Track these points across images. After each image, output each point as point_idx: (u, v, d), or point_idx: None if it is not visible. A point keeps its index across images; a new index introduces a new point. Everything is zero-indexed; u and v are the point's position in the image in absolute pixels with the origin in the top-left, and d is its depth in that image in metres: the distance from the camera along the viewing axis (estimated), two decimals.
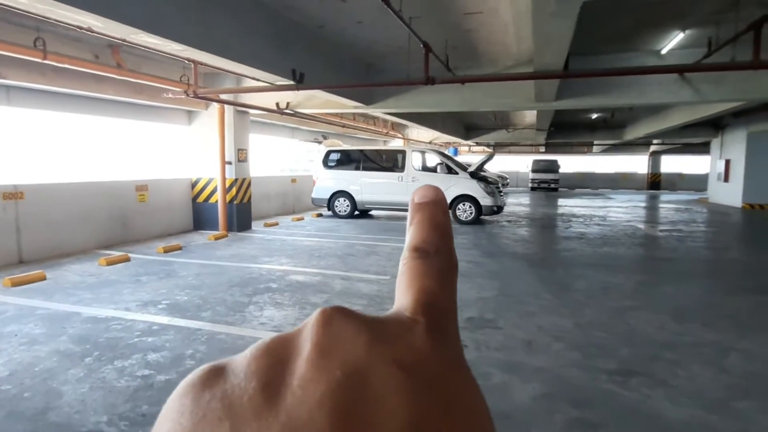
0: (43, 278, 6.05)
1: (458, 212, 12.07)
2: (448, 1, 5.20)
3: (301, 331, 0.21)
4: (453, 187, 12.07)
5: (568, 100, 7.88)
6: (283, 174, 14.88)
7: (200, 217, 10.20)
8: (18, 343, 3.95)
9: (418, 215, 0.27)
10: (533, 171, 29.70)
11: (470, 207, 12.00)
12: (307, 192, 15.05)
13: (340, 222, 12.23)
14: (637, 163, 35.15)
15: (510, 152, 34.65)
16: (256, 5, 5.25)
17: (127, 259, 7.24)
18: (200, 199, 10.17)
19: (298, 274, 6.47)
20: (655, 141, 25.44)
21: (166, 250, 7.95)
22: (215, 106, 9.47)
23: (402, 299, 0.24)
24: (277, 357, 0.20)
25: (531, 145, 32.62)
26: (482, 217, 12.18)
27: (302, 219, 12.64)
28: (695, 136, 19.98)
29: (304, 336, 0.20)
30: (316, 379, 0.18)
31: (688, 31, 6.19)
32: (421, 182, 12.49)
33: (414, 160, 12.53)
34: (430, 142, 22.20)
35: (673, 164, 32.99)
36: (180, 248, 8.24)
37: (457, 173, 12.21)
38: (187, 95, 7.51)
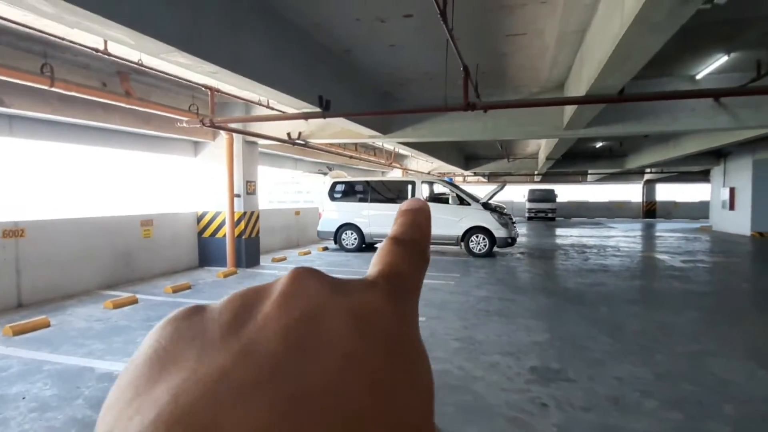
0: (47, 325, 5.46)
1: (471, 244, 11.67)
2: (493, 22, 4.90)
3: (273, 283, 0.24)
4: (466, 218, 11.71)
5: (598, 127, 7.62)
6: (287, 206, 14.40)
7: (206, 252, 9.66)
8: (27, 409, 3.39)
9: (402, 217, 0.29)
10: (530, 200, 29.57)
11: (484, 239, 11.60)
12: (311, 224, 14.60)
13: (349, 256, 11.74)
14: (631, 192, 35.34)
15: (505, 182, 34.69)
16: (285, 25, 4.90)
17: (135, 301, 6.67)
18: (206, 233, 9.65)
19: None
20: (650, 169, 25.48)
21: (175, 290, 7.39)
22: (223, 136, 9.06)
23: (369, 272, 0.26)
24: (248, 300, 0.22)
25: (525, 175, 32.74)
26: (496, 249, 11.77)
27: (309, 253, 12.13)
28: (696, 164, 20.00)
29: (275, 286, 0.23)
30: (277, 316, 0.21)
31: (733, 54, 5.97)
32: (432, 214, 12.12)
33: (423, 190, 12.17)
34: (428, 173, 21.97)
35: (667, 192, 33.19)
36: (189, 287, 7.69)
37: (469, 204, 11.86)
38: (203, 124, 7.10)
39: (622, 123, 7.60)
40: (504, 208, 12.54)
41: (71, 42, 4.87)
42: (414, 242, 0.28)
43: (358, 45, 5.71)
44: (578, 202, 35.07)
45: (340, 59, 6.17)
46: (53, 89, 5.80)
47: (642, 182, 32.32)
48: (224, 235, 9.50)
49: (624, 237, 17.48)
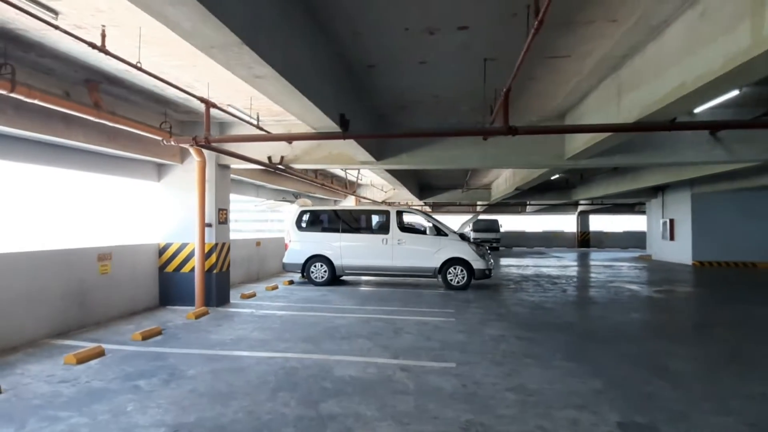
0: None
1: (449, 276, 11.22)
2: (544, 40, 4.53)
3: None
4: (443, 249, 11.30)
5: (600, 158, 7.51)
6: (247, 237, 13.29)
7: (169, 290, 8.46)
8: None
9: None
10: (475, 230, 29.90)
11: (462, 271, 11.21)
12: (271, 256, 13.59)
13: (322, 290, 10.87)
14: (564, 222, 36.97)
15: (448, 212, 35.11)
16: (325, 31, 4.26)
17: (102, 353, 5.51)
18: (169, 268, 8.47)
19: (342, 366, 5.15)
20: (583, 201, 26.57)
21: (145, 337, 6.26)
22: (194, 158, 8.06)
23: None
24: None
25: (468, 205, 33.31)
26: (473, 281, 11.39)
27: (276, 287, 11.11)
28: (636, 197, 21.08)
29: None
30: None
31: (745, 89, 6.04)
32: (407, 245, 11.65)
33: (398, 221, 11.64)
34: (382, 202, 21.54)
35: (599, 223, 35.03)
36: (160, 333, 6.57)
37: (446, 235, 11.46)
38: (197, 143, 6.15)
39: (623, 154, 7.55)
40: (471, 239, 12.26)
41: (67, 32, 3.90)
42: None
43: (387, 59, 5.16)
44: (518, 232, 36.11)
45: (360, 75, 5.58)
46: (12, 95, 4.73)
47: (576, 213, 33.88)
48: (191, 270, 8.39)
49: (579, 267, 17.86)
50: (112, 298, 7.34)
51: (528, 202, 28.16)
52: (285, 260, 11.99)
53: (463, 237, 11.65)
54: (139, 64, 4.30)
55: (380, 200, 21.28)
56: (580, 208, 32.30)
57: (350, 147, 6.86)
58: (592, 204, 26.67)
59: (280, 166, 8.43)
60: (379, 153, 7.77)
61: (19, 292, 5.82)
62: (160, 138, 6.91)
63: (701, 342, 6.59)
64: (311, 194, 16.33)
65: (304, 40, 3.90)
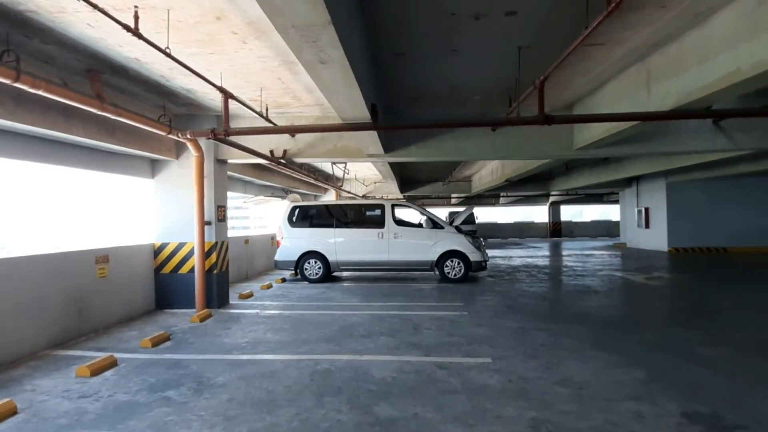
0: (14, 411, 3.88)
1: (446, 269, 11.16)
2: (575, 29, 4.42)
3: None
4: (440, 242, 11.22)
5: (609, 148, 7.53)
6: (236, 235, 12.85)
7: (166, 292, 8.03)
8: None
9: None
10: (451, 223, 29.91)
11: (459, 263, 11.16)
12: (259, 254, 13.21)
13: (319, 287, 10.60)
14: (536, 213, 37.66)
15: (423, 205, 35.12)
16: (368, 15, 4.02)
17: (115, 363, 5.13)
18: (166, 269, 8.04)
19: (377, 366, 4.96)
20: (556, 192, 27.02)
21: (155, 343, 5.90)
22: (191, 154, 7.66)
23: None
24: None
25: (443, 198, 33.46)
26: (471, 273, 11.35)
27: (271, 286, 10.77)
28: (611, 187, 21.56)
29: None
30: None
31: None
32: (403, 239, 11.50)
33: (394, 215, 11.46)
34: (363, 196, 21.32)
35: (569, 213, 35.83)
36: (169, 338, 6.21)
37: (442, 228, 11.38)
38: (216, 136, 5.77)
39: (631, 144, 7.60)
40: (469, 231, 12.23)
41: (101, 8, 3.51)
42: None
43: (418, 47, 4.94)
44: (491, 224, 36.52)
45: (386, 64, 5.35)
46: (17, 85, 4.29)
47: (548, 204, 34.51)
48: (189, 271, 7.98)
49: (562, 256, 18.13)
50: (110, 304, 6.89)
51: (506, 194, 28.46)
52: (277, 257, 11.64)
53: (458, 230, 11.60)
54: (168, 50, 3.96)
55: (361, 194, 21.05)
56: (552, 198, 32.89)
57: (363, 139, 6.62)
58: (566, 194, 27.17)
59: (282, 160, 8.10)
60: (387, 145, 7.56)
61: (16, 301, 5.36)
62: (163, 132, 6.50)
63: (716, 327, 6.70)
64: (295, 189, 15.95)
65: (358, 24, 3.66)
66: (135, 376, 4.79)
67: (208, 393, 4.28)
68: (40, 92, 4.56)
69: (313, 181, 13.16)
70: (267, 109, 6.66)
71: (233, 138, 7.24)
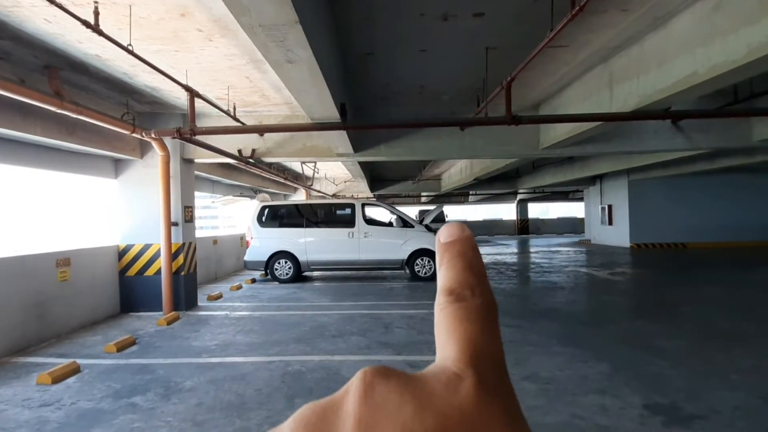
0: None
1: (417, 268, 11.23)
2: (541, 30, 4.53)
3: (343, 399, 0.20)
4: (410, 241, 11.28)
5: (573, 147, 7.72)
6: (204, 235, 12.61)
7: (131, 295, 7.83)
8: None
9: (447, 254, 0.25)
10: (420, 222, 30.10)
11: (429, 262, 11.25)
12: (229, 254, 13.02)
13: (289, 288, 10.51)
14: (503, 210, 38.21)
15: (392, 203, 35.17)
16: (336, 17, 3.99)
17: (77, 369, 4.98)
18: (131, 272, 7.84)
19: (349, 366, 4.97)
20: (524, 189, 27.49)
21: (119, 348, 5.75)
22: (156, 153, 7.48)
23: (445, 350, 0.22)
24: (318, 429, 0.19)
25: (413, 197, 33.62)
26: None
27: (241, 287, 10.63)
28: (576, 185, 22.07)
29: (346, 409, 0.19)
30: None
31: None
32: (374, 238, 11.51)
33: (363, 214, 11.46)
34: (333, 195, 21.22)
35: (536, 211, 36.51)
36: (134, 342, 6.06)
37: (413, 227, 11.45)
38: (181, 136, 5.63)
39: (595, 143, 7.80)
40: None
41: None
42: (476, 293, 0.23)
43: (387, 47, 4.94)
44: (460, 221, 36.81)
45: (354, 64, 5.33)
46: None
47: (515, 201, 35.07)
48: (155, 273, 7.80)
49: (530, 253, 18.47)
50: (72, 308, 6.68)
51: (474, 192, 28.76)
52: (247, 258, 11.48)
53: (429, 228, 11.69)
54: (130, 47, 3.85)
55: (331, 193, 20.95)
56: (520, 196, 33.44)
57: (333, 139, 6.60)
58: (533, 192, 27.66)
59: (250, 160, 8.00)
60: (357, 144, 7.55)
61: None
62: (126, 131, 6.32)
63: (674, 320, 6.95)
64: (264, 189, 15.76)
65: (326, 23, 3.63)
66: (99, 382, 4.65)
67: (175, 398, 4.20)
68: None
69: (282, 180, 13.03)
70: (235, 108, 6.56)
71: (200, 137, 7.11)
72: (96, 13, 3.44)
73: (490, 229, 35.89)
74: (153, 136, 6.05)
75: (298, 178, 15.70)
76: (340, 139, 6.52)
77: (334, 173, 18.10)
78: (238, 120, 6.59)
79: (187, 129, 5.53)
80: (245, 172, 13.00)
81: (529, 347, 5.58)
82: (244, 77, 5.88)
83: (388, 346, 5.70)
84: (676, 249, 18.63)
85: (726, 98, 6.80)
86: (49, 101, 5.05)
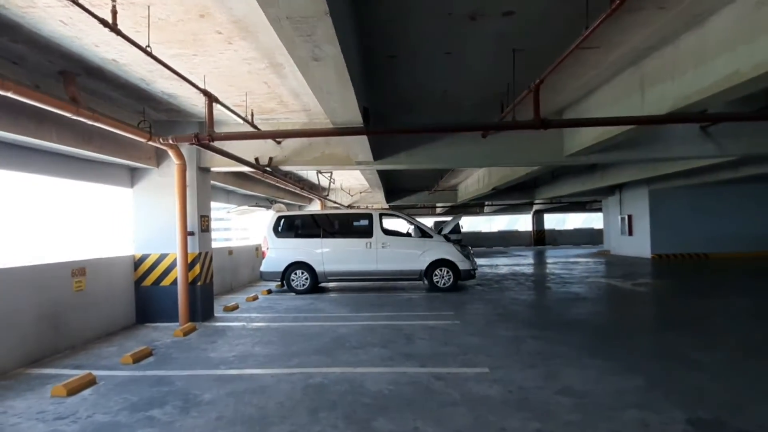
0: None
1: (435, 278, 11.01)
2: (571, 31, 4.36)
3: None
4: (429, 251, 11.08)
5: (598, 155, 7.50)
6: (220, 246, 12.53)
7: (147, 306, 7.72)
8: None
9: None
10: (437, 232, 29.81)
11: (448, 272, 11.02)
12: (244, 265, 12.92)
13: (306, 299, 10.35)
14: (519, 221, 37.79)
15: (408, 214, 34.93)
16: (362, 17, 3.87)
17: (93, 381, 4.84)
18: (147, 281, 7.74)
19: (372, 379, 4.76)
20: (538, 201, 27.07)
21: (136, 359, 5.61)
22: (173, 162, 7.41)
23: None
24: None
25: (427, 208, 33.45)
26: (459, 282, 11.21)
27: (257, 298, 10.49)
28: (594, 195, 21.71)
29: None
30: None
31: None
32: (392, 249, 11.32)
33: (382, 224, 11.30)
34: (349, 206, 21.10)
35: (552, 221, 36.04)
36: (151, 354, 5.91)
37: (431, 237, 11.26)
38: (199, 141, 5.53)
39: (620, 150, 7.57)
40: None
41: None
42: None
43: (411, 49, 4.80)
44: (475, 233, 36.53)
45: (376, 67, 5.20)
46: None
47: (531, 212, 34.69)
48: (171, 283, 7.69)
49: (548, 264, 18.13)
50: (88, 318, 6.57)
51: (491, 203, 28.47)
52: (263, 268, 11.35)
53: (447, 238, 11.49)
54: (148, 48, 3.76)
55: (347, 204, 20.84)
56: (536, 207, 33.07)
57: (353, 146, 6.46)
58: (550, 203, 27.30)
59: (267, 168, 7.89)
60: (377, 152, 7.41)
61: None
62: (142, 139, 6.26)
63: (706, 332, 6.65)
64: (279, 199, 15.70)
65: (351, 21, 3.51)
66: (115, 394, 4.51)
67: (195, 411, 4.03)
68: (8, 94, 4.30)
69: (298, 191, 12.95)
70: (252, 115, 6.47)
71: (217, 144, 7.02)
72: (114, 12, 3.35)
73: (506, 240, 35.51)
74: (171, 142, 5.97)
75: (314, 189, 15.62)
76: (361, 145, 6.38)
77: (350, 184, 18.02)
78: (255, 127, 6.50)
79: (205, 134, 5.43)
80: (260, 182, 12.94)
81: (558, 359, 5.34)
82: (263, 82, 5.78)
83: (412, 358, 5.49)
84: (698, 259, 18.16)
85: (758, 102, 6.56)
86: (65, 107, 4.99)
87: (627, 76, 5.64)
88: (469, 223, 36.64)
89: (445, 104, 6.83)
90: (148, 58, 4.84)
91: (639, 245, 19.24)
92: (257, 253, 13.97)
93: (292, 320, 7.91)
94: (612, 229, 22.10)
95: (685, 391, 4.26)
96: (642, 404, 3.97)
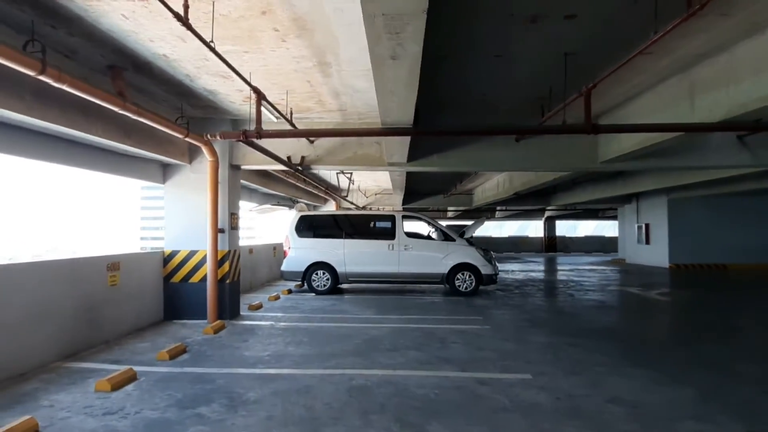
0: (36, 430, 3.56)
1: (457, 282, 10.94)
2: (627, 35, 4.30)
3: None
4: (451, 255, 11.03)
5: (634, 162, 7.43)
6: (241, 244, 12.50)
7: (175, 302, 7.70)
8: None
9: None
10: (461, 235, 29.66)
11: (470, 276, 10.96)
12: (263, 264, 12.90)
13: (328, 299, 10.31)
14: (531, 227, 37.62)
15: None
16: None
17: (134, 377, 4.82)
18: (176, 278, 7.72)
19: (415, 382, 4.71)
20: (549, 208, 26.87)
21: (172, 356, 5.58)
22: (205, 158, 7.41)
23: None
24: None
25: (438, 211, 33.33)
26: (481, 287, 11.15)
27: (278, 297, 10.46)
28: (610, 203, 21.56)
29: None
30: None
31: None
32: (414, 251, 11.26)
33: (405, 226, 11.26)
34: (364, 207, 21.07)
35: (563, 228, 35.86)
36: (185, 350, 5.89)
37: (454, 240, 11.20)
38: (246, 137, 5.50)
39: (655, 158, 7.49)
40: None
41: None
42: None
43: (462, 50, 4.76)
44: (486, 238, 36.37)
45: (428, 67, 5.15)
46: (41, 78, 4.03)
47: (543, 219, 34.52)
48: (200, 280, 7.67)
49: (565, 271, 18.01)
50: (120, 313, 6.56)
51: (504, 208, 28.30)
52: (284, 268, 11.33)
53: (470, 242, 11.43)
54: (212, 44, 3.74)
55: (362, 205, 20.82)
56: (548, 213, 32.90)
57: (391, 146, 6.41)
58: (564, 209, 27.12)
59: (299, 167, 7.87)
60: (410, 154, 7.37)
61: (26, 309, 5.02)
62: (180, 135, 6.26)
63: (745, 344, 6.57)
64: (297, 199, 15.69)
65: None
66: (158, 390, 4.48)
67: (243, 410, 3.99)
68: (64, 87, 4.30)
69: (319, 192, 12.93)
70: (291, 114, 6.45)
71: (259, 142, 7.01)
72: (186, 7, 3.33)
73: (517, 245, 35.33)
74: (218, 138, 5.93)
75: (335, 190, 15.60)
76: (399, 146, 6.34)
77: (367, 185, 18.00)
78: (293, 125, 6.48)
79: (253, 131, 5.41)
80: (281, 180, 12.93)
81: (599, 367, 5.27)
82: (306, 81, 5.76)
83: (450, 362, 5.43)
84: (716, 270, 17.99)
85: None
86: (113, 101, 4.99)
87: (674, 83, 5.57)
88: (480, 228, 36.42)
89: (480, 107, 6.77)
90: (198, 54, 4.89)
91: (656, 254, 19.09)
92: (274, 252, 13.96)
93: (320, 321, 7.88)
94: (628, 237, 21.94)
95: (739, 403, 4.19)
96: (698, 416, 3.90)
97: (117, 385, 4.52)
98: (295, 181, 12.63)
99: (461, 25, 4.21)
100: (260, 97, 5.22)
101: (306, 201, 17.49)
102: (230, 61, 5.00)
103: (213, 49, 3.72)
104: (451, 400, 4.25)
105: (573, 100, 5.04)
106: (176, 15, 3.12)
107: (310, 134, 5.76)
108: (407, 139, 5.86)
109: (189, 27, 3.32)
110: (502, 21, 4.11)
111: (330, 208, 18.96)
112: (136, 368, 5.04)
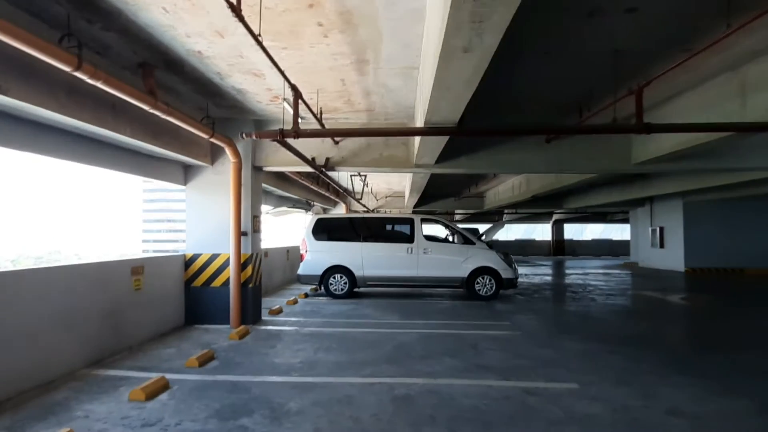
0: None
1: (477, 287, 10.72)
2: (681, 32, 4.12)
3: None
4: (471, 258, 10.81)
5: (667, 164, 7.25)
6: None
7: (197, 307, 7.52)
8: None
9: None
10: (480, 238, 29.47)
11: (490, 280, 10.75)
12: (277, 268, 12.71)
13: (347, 303, 10.12)
14: (537, 230, 37.40)
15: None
16: None
17: (167, 385, 4.63)
18: (197, 282, 7.54)
19: (460, 392, 4.52)
20: (557, 210, 26.68)
21: (201, 363, 5.40)
22: (227, 160, 7.25)
23: None
24: None
25: (447, 214, 33.14)
26: (501, 291, 10.96)
27: (296, 302, 10.27)
28: (622, 206, 21.35)
29: None
30: None
31: None
32: (433, 255, 11.08)
33: (424, 229, 11.07)
34: (373, 210, 20.90)
35: (570, 231, 35.63)
36: (213, 357, 5.71)
37: (473, 243, 11.00)
38: (283, 137, 5.32)
39: (689, 160, 7.31)
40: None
41: None
42: None
43: (515, 48, 4.55)
44: (492, 241, 36.12)
45: None
46: (77, 74, 3.87)
47: (551, 222, 34.30)
48: (222, 285, 7.49)
49: (580, 275, 17.79)
50: (144, 318, 6.39)
51: (514, 211, 28.10)
52: (301, 271, 11.15)
53: (490, 246, 11.23)
54: (260, 38, 3.57)
55: (372, 208, 20.65)
56: (556, 216, 32.70)
57: (424, 146, 6.19)
58: (575, 212, 26.91)
59: (323, 169, 7.69)
60: (438, 156, 7.19)
61: (54, 315, 4.84)
62: (205, 135, 6.11)
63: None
64: (313, 201, 15.52)
65: None
66: (194, 400, 4.30)
67: (287, 422, 3.81)
68: (98, 84, 4.15)
69: (331, 195, 12.76)
70: (321, 113, 6.29)
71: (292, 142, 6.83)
72: None
73: (524, 249, 35.09)
74: (254, 137, 5.74)
75: (348, 192, 15.42)
76: (434, 147, 6.15)
77: (379, 188, 17.83)
78: (323, 125, 6.31)
79: (290, 131, 5.23)
80: (296, 183, 12.77)
81: (646, 376, 5.08)
82: (339, 79, 5.59)
83: (490, 370, 5.24)
84: (733, 274, 17.76)
85: None
86: (145, 99, 4.84)
87: (722, 82, 5.39)
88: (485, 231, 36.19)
89: (515, 108, 6.60)
90: (234, 51, 4.74)
91: (671, 258, 18.86)
92: (287, 255, 13.79)
93: (344, 326, 7.68)
94: (641, 240, 21.71)
95: None
96: (766, 429, 3.72)
97: (151, 395, 4.35)
98: (309, 183, 12.45)
99: (514, 20, 4.03)
100: (298, 95, 5.05)
101: (319, 204, 17.33)
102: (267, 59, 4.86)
103: (260, 44, 3.55)
104: (503, 411, 4.06)
105: (622, 98, 4.85)
106: (230, 5, 2.95)
107: (347, 134, 5.60)
108: (445, 139, 5.68)
109: (241, 19, 3.14)
110: (558, 15, 3.94)
111: (340, 211, 18.79)
112: (170, 376, 4.86)
